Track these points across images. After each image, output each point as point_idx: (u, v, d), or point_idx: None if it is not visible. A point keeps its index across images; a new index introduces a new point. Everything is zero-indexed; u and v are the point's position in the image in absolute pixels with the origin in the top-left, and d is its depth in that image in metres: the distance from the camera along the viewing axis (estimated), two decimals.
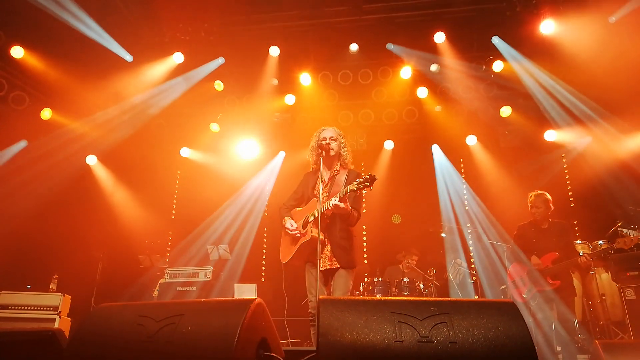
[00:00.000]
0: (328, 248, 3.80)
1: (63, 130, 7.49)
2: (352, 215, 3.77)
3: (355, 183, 3.54)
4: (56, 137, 7.49)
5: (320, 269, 3.73)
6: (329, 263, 3.77)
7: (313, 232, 3.69)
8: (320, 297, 2.26)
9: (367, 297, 1.91)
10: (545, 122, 7.60)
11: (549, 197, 5.20)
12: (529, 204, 5.25)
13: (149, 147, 8.54)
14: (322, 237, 3.72)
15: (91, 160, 8.17)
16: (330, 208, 3.60)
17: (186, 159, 8.78)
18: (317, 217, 3.64)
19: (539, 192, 5.25)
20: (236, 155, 8.59)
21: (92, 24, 6.41)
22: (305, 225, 3.81)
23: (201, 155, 8.72)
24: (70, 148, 7.76)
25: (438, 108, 7.84)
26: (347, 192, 3.56)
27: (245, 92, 7.84)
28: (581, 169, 7.63)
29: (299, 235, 3.82)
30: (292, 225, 3.87)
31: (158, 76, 7.29)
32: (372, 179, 3.48)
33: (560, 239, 5.00)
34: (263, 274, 8.42)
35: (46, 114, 7.33)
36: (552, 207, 5.17)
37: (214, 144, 8.61)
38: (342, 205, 3.56)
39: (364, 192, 3.59)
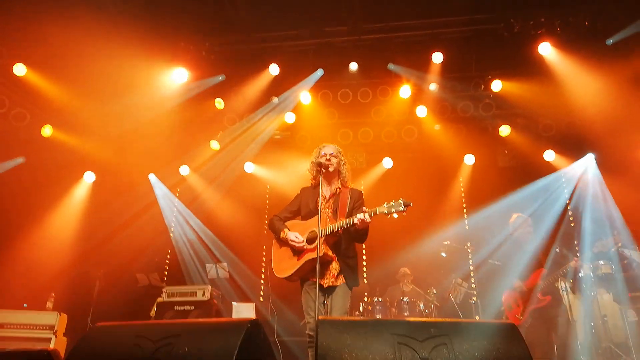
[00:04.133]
0: (334, 265, 3.78)
1: (62, 147, 7.51)
2: (366, 232, 3.80)
3: (389, 206, 3.60)
4: (55, 153, 7.51)
5: (325, 285, 3.72)
6: (332, 280, 3.74)
7: (324, 248, 3.66)
8: (319, 317, 2.24)
9: (367, 318, 1.89)
10: (545, 142, 7.64)
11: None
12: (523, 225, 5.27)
13: (147, 164, 8.54)
14: (330, 253, 3.72)
15: (89, 177, 8.17)
16: (354, 223, 3.59)
17: (186, 176, 8.80)
18: (329, 233, 3.67)
19: (520, 215, 5.28)
20: (235, 170, 8.61)
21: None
22: (311, 241, 3.74)
23: (201, 172, 8.74)
24: (69, 165, 7.79)
25: (437, 127, 7.88)
26: (376, 213, 3.60)
27: (245, 110, 7.89)
28: (581, 189, 7.65)
29: (304, 247, 3.78)
30: (297, 238, 3.81)
31: (160, 93, 7.34)
32: (407, 206, 3.58)
33: (549, 258, 4.98)
34: (261, 293, 8.35)
35: (47, 131, 7.36)
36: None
37: (214, 162, 8.63)
38: (369, 220, 3.58)
39: (394, 215, 3.63)
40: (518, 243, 5.42)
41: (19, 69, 6.52)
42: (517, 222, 5.33)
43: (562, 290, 4.99)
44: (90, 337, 1.95)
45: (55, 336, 5.59)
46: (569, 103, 6.91)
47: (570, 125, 7.33)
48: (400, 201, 3.62)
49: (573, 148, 7.71)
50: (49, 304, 6.25)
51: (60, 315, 5.75)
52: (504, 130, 7.65)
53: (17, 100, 6.82)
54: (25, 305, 6.10)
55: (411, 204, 3.60)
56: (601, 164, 7.58)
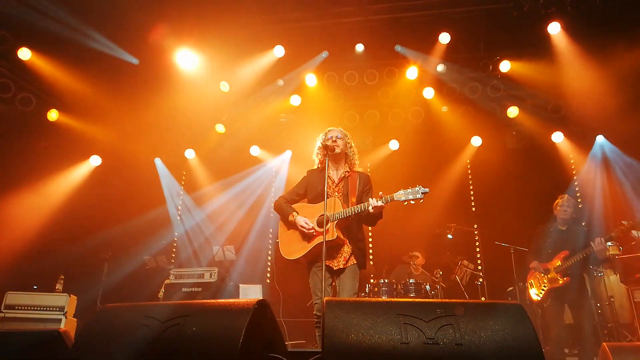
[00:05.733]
0: (345, 248, 3.80)
1: (68, 131, 7.53)
2: (380, 217, 3.82)
3: (406, 193, 3.61)
4: (61, 138, 7.55)
5: (334, 268, 3.74)
6: (343, 263, 3.76)
7: (337, 232, 3.68)
8: (326, 298, 2.25)
9: (373, 299, 1.90)
10: (553, 123, 7.56)
11: (576, 203, 5.27)
12: (558, 204, 5.27)
13: (154, 148, 8.56)
14: (342, 237, 3.73)
15: (95, 161, 8.21)
16: (369, 209, 3.60)
17: (192, 160, 8.83)
18: (341, 217, 3.68)
19: (570, 197, 5.30)
20: (241, 154, 8.62)
21: (97, 36, 6.48)
22: (321, 224, 3.71)
23: (206, 156, 8.75)
24: (75, 149, 7.82)
25: (444, 109, 7.81)
26: (393, 200, 3.62)
27: (251, 93, 7.85)
28: (589, 171, 7.59)
29: (314, 233, 3.79)
30: (307, 224, 3.80)
31: (166, 76, 7.31)
32: (425, 193, 3.60)
33: (578, 242, 4.98)
34: (268, 274, 8.43)
35: (53, 115, 7.37)
36: (575, 215, 5.23)
37: (220, 145, 8.64)
38: (383, 205, 3.61)
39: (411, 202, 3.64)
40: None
41: (24, 54, 6.50)
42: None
43: (581, 271, 5.01)
44: (100, 317, 1.97)
45: (66, 317, 5.68)
46: (578, 84, 6.81)
47: (580, 106, 7.23)
48: (418, 188, 3.61)
49: (582, 130, 7.63)
50: (59, 286, 6.35)
51: (69, 296, 5.83)
52: (513, 111, 7.56)
53: (22, 85, 6.82)
54: (35, 287, 6.19)
55: (428, 191, 3.59)
56: (609, 145, 7.52)
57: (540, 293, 5.07)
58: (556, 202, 5.31)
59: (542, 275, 5.11)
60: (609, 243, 5.80)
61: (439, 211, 7.69)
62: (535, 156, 7.96)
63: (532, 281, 5.28)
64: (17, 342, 2.17)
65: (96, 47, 6.59)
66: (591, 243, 4.81)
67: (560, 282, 4.91)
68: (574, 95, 7.07)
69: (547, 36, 6.49)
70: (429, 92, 7.55)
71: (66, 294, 5.85)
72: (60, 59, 6.72)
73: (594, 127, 7.59)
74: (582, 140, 7.70)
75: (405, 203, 3.63)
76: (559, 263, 4.99)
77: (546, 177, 7.68)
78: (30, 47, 6.52)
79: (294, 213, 3.92)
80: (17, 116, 6.86)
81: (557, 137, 7.78)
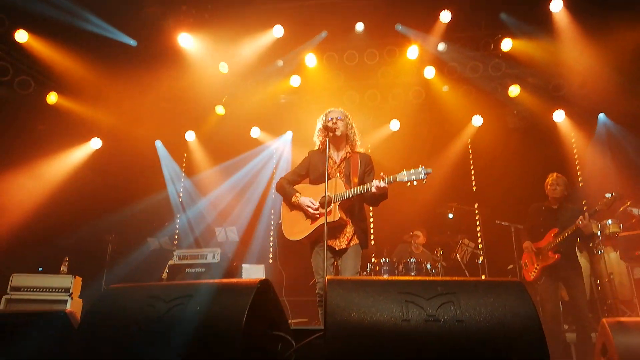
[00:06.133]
0: (348, 229, 3.82)
1: (68, 114, 7.51)
2: (384, 197, 3.81)
3: (409, 174, 3.60)
4: (61, 121, 7.53)
5: (337, 248, 3.77)
6: (345, 243, 3.78)
7: (340, 213, 3.70)
8: (328, 277, 2.28)
9: (374, 277, 1.92)
10: (555, 101, 7.52)
11: (567, 181, 5.26)
12: (548, 183, 5.26)
13: (154, 130, 8.55)
14: (345, 217, 3.75)
15: (96, 143, 8.20)
16: (372, 190, 3.60)
17: (192, 142, 8.82)
18: (344, 198, 3.69)
19: (560, 175, 5.29)
20: (242, 136, 8.60)
21: (93, 18, 6.40)
22: (324, 205, 3.71)
23: (207, 138, 8.74)
24: (75, 132, 7.81)
25: (445, 88, 7.76)
26: (395, 181, 3.61)
27: (250, 74, 7.79)
28: (590, 150, 7.58)
29: (318, 215, 3.81)
30: (312, 204, 3.82)
31: (165, 58, 7.25)
32: (427, 174, 3.58)
33: (570, 220, 4.98)
34: (270, 255, 8.49)
35: (52, 98, 7.34)
36: (568, 193, 5.21)
37: (220, 127, 8.62)
38: (386, 186, 3.60)
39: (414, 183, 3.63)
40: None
41: (21, 36, 6.42)
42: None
43: (573, 248, 5.04)
44: (105, 298, 2.00)
45: (71, 298, 5.75)
46: (580, 62, 6.74)
47: (582, 85, 7.17)
48: (421, 169, 3.60)
49: (584, 108, 7.59)
50: (63, 268, 6.40)
51: (74, 278, 5.89)
52: (514, 90, 7.51)
53: (20, 68, 6.77)
54: (40, 269, 6.25)
55: (431, 172, 3.59)
56: (612, 124, 7.48)
57: (534, 271, 5.11)
58: (546, 181, 5.31)
59: (535, 254, 5.15)
60: (609, 221, 5.83)
61: (439, 191, 7.70)
62: (536, 135, 7.94)
63: (526, 261, 5.31)
64: (25, 323, 2.21)
65: (93, 29, 6.53)
66: (577, 221, 4.80)
67: (552, 260, 4.94)
68: (575, 73, 7.02)
69: (548, 14, 6.40)
70: (429, 72, 7.49)
71: (71, 275, 5.90)
72: (58, 42, 6.65)
73: (596, 106, 7.54)
74: (584, 118, 7.66)
75: (408, 184, 3.63)
76: (549, 240, 5.02)
77: (547, 156, 7.68)
78: (27, 29, 6.44)
79: (297, 194, 3.93)
80: (16, 99, 6.82)
81: (559, 116, 7.75)
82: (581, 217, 4.76)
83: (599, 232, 5.73)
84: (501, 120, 8.13)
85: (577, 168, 7.84)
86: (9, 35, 6.36)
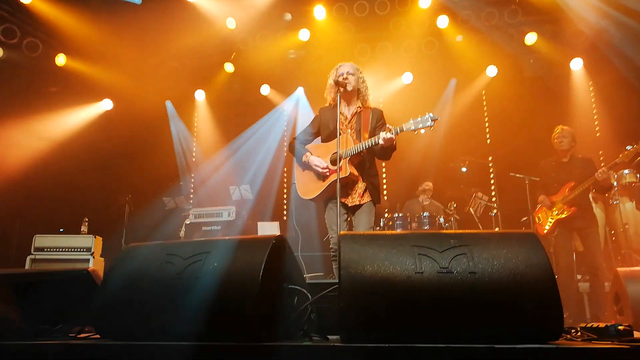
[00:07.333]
0: (360, 184, 3.82)
1: (77, 75, 7.48)
2: (394, 149, 3.76)
3: (416, 122, 3.53)
4: (72, 83, 7.51)
5: (349, 204, 3.80)
6: (358, 199, 3.80)
7: (350, 168, 3.69)
8: (341, 232, 2.30)
9: (387, 232, 1.94)
10: (573, 49, 7.26)
11: (573, 132, 5.15)
12: (555, 137, 5.17)
13: (164, 90, 8.50)
14: (356, 173, 3.75)
15: (107, 104, 8.20)
16: (379, 143, 3.56)
17: (202, 101, 8.77)
18: (353, 153, 3.67)
19: (566, 127, 5.17)
20: (252, 95, 8.53)
21: None
22: (335, 162, 3.70)
23: (217, 97, 8.68)
24: (86, 93, 7.81)
25: (459, 38, 7.52)
26: (402, 130, 3.56)
27: (258, 29, 7.62)
28: (610, 98, 7.36)
29: (328, 173, 3.81)
30: (320, 163, 3.82)
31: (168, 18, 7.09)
32: (434, 120, 3.49)
33: (583, 172, 4.92)
34: (285, 212, 8.59)
35: (61, 60, 7.30)
36: (576, 143, 5.12)
37: (230, 85, 8.54)
38: (393, 137, 3.54)
39: (421, 131, 3.57)
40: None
41: None
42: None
43: (588, 200, 5.01)
44: (125, 256, 2.05)
45: (93, 257, 5.93)
46: (601, 6, 6.45)
47: (602, 30, 6.89)
48: (428, 116, 3.53)
49: (602, 56, 7.31)
50: (84, 229, 6.57)
51: (95, 238, 6.05)
52: (530, 38, 7.25)
53: (27, 30, 6.71)
54: (61, 230, 6.41)
55: (438, 118, 3.53)
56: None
57: (548, 224, 5.11)
58: (552, 134, 5.22)
59: (549, 208, 5.13)
60: (626, 171, 5.74)
61: (453, 145, 7.62)
62: (553, 85, 7.71)
63: (540, 215, 5.30)
64: (50, 281, 2.29)
65: None
66: (596, 174, 4.74)
67: (567, 213, 4.93)
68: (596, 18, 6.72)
69: None
70: (442, 21, 7.24)
71: (92, 235, 6.06)
72: (62, 1, 6.54)
73: (614, 53, 7.25)
74: (602, 67, 7.39)
75: (416, 132, 3.58)
76: (565, 194, 4.99)
77: (563, 106, 7.49)
78: None
79: (308, 154, 3.93)
80: (26, 62, 6.81)
81: (576, 64, 7.50)
82: (601, 169, 4.70)
83: (615, 182, 5.67)
84: (517, 70, 7.89)
85: (595, 118, 7.66)
86: None
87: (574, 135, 5.14)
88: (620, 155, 4.73)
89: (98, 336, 1.91)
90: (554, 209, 5.06)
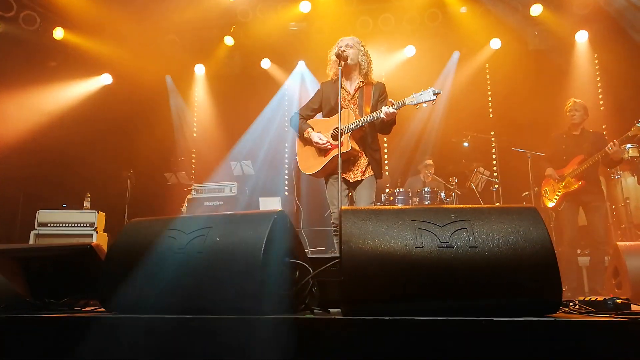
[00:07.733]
0: (362, 160, 3.82)
1: (76, 49, 7.40)
2: (394, 123, 3.75)
3: (418, 96, 3.50)
4: (70, 56, 7.43)
5: (351, 180, 3.80)
6: (360, 174, 3.80)
7: (352, 143, 3.68)
8: (342, 207, 2.31)
9: (388, 207, 1.94)
10: (579, 21, 7.12)
11: (586, 106, 5.14)
12: (567, 110, 5.15)
13: (164, 65, 8.40)
14: (357, 148, 3.74)
15: (106, 79, 8.13)
16: (381, 117, 3.55)
17: (202, 76, 8.68)
18: (354, 128, 3.66)
19: (579, 100, 5.15)
20: (253, 69, 8.43)
21: None
22: (336, 137, 3.68)
23: (217, 71, 8.58)
24: (85, 68, 7.73)
25: (463, 9, 7.38)
26: (404, 104, 3.54)
27: (258, 1, 7.48)
28: (614, 71, 7.26)
29: (329, 147, 3.80)
30: (321, 140, 3.81)
31: None
32: (436, 94, 3.47)
33: (593, 146, 4.92)
34: (286, 187, 8.60)
35: (59, 33, 7.20)
36: (588, 117, 5.11)
37: (230, 59, 8.43)
38: (395, 111, 3.53)
39: (423, 105, 3.55)
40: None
41: None
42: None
43: (596, 174, 5.03)
44: (128, 231, 2.06)
45: (97, 232, 5.98)
46: None
47: (610, 2, 6.74)
48: (430, 90, 3.50)
49: (609, 28, 7.18)
50: (86, 204, 6.61)
51: (98, 213, 6.09)
52: (536, 9, 7.11)
53: (24, 2, 6.60)
54: (64, 205, 6.45)
55: (440, 92, 3.50)
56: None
57: (555, 198, 5.12)
58: (565, 107, 5.19)
59: (557, 181, 5.13)
60: (629, 145, 5.71)
61: (455, 119, 7.57)
62: (557, 58, 7.61)
63: (547, 188, 5.32)
64: (53, 256, 2.31)
65: None
66: (607, 148, 4.72)
67: (576, 186, 4.94)
68: None
69: None
70: None
71: (95, 210, 6.09)
72: None
73: (622, 25, 7.12)
74: (607, 39, 7.27)
75: (417, 106, 3.56)
76: (574, 167, 4.98)
77: (568, 80, 7.41)
78: None
79: (309, 129, 3.91)
80: (24, 36, 6.72)
81: (582, 37, 7.37)
82: (612, 143, 4.68)
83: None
84: (521, 43, 7.76)
85: (599, 91, 7.57)
86: None
87: (586, 109, 5.14)
88: (633, 128, 4.71)
89: (103, 309, 1.94)
90: (563, 182, 5.07)
